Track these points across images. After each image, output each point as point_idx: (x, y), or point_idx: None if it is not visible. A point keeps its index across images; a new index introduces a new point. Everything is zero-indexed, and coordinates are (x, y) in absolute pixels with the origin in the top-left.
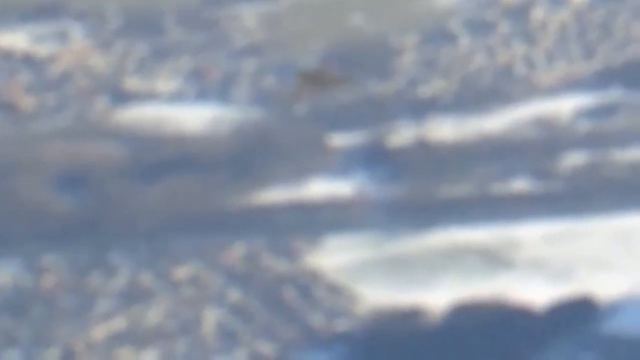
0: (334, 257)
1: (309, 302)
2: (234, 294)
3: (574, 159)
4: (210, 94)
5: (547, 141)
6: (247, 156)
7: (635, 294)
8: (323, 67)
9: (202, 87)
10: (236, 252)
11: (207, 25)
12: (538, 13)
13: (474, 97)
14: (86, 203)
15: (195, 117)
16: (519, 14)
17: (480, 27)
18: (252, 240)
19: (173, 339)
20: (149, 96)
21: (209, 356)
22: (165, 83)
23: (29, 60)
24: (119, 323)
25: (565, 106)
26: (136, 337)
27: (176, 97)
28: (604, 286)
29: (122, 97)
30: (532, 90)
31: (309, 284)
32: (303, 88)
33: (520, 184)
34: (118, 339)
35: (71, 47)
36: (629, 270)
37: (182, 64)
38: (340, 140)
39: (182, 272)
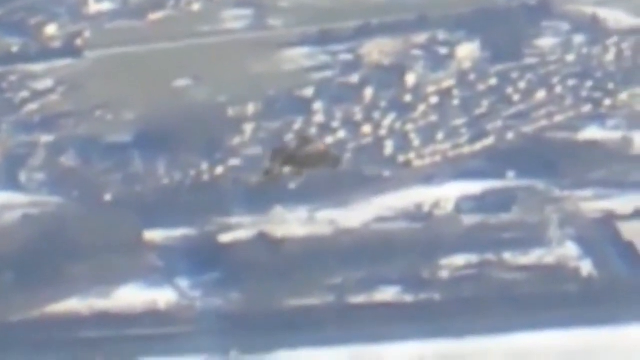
0: None
1: None
2: None
3: (456, 262)
4: None
5: (423, 238)
6: (39, 254)
7: None
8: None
9: None
10: None
11: None
12: (414, 77)
13: (331, 182)
14: None
15: None
16: (391, 78)
17: (341, 93)
18: None
19: None
20: None
21: None
22: None
23: None
24: None
25: (446, 195)
26: None
27: None
28: None
29: None
30: (405, 175)
31: None
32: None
33: (388, 293)
34: None
35: None
36: None
37: None
38: (160, 236)
39: None
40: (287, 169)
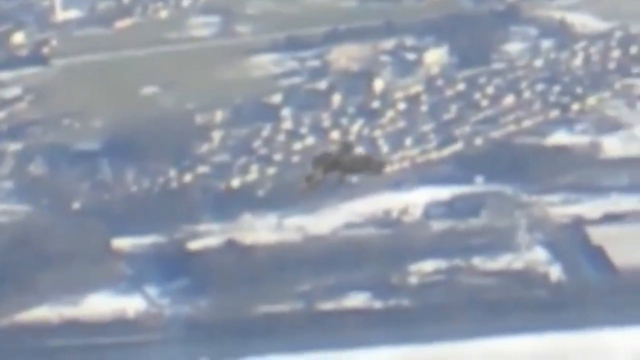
0: None
1: None
2: None
3: (425, 268)
4: None
5: (392, 245)
6: (8, 263)
7: None
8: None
9: None
10: None
11: None
12: (382, 83)
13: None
14: None
15: None
16: (359, 84)
17: (309, 99)
18: None
19: None
20: None
21: None
22: None
23: None
24: None
25: (415, 201)
26: None
27: None
28: None
29: None
30: (373, 181)
31: None
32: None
33: (357, 299)
34: None
35: None
36: None
37: None
38: (128, 244)
39: None
40: (330, 175)
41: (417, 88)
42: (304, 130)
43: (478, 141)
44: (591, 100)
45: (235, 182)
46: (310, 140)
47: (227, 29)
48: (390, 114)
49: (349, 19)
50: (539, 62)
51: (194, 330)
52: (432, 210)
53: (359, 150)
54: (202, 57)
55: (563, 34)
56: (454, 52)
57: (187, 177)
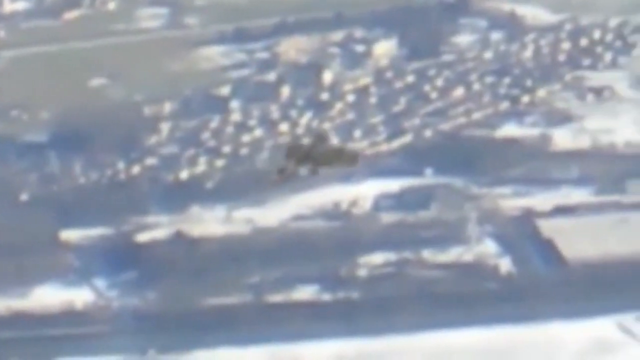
0: None
1: None
2: None
3: (374, 260)
4: None
5: (341, 237)
6: None
7: None
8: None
9: None
10: None
11: None
12: (331, 75)
13: (249, 180)
14: None
15: None
16: (308, 76)
17: (258, 91)
18: None
19: None
20: None
21: None
22: None
23: None
24: None
25: (364, 193)
26: None
27: None
28: None
29: None
30: (322, 173)
31: None
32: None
33: (306, 292)
34: None
35: None
36: None
37: None
38: (77, 235)
39: None
40: (302, 168)
41: (366, 80)
42: (252, 122)
43: (427, 133)
44: (541, 93)
45: (184, 174)
46: (258, 132)
47: (175, 21)
48: (339, 106)
49: (297, 11)
50: (488, 54)
51: (142, 322)
52: (381, 203)
53: (333, 141)
54: (151, 49)
55: (513, 26)
56: (403, 44)
57: (136, 169)
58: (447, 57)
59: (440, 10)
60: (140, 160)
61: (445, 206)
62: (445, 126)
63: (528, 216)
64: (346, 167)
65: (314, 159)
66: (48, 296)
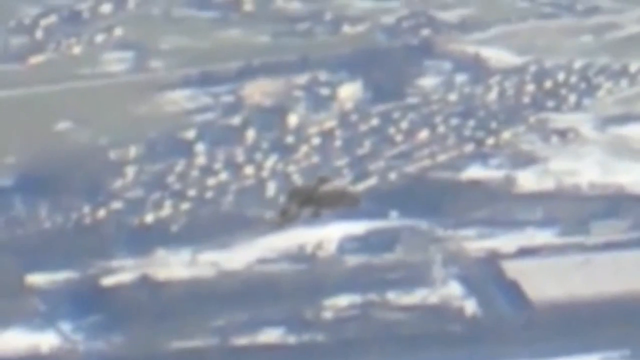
0: None
1: None
2: None
3: (340, 303)
4: None
5: (307, 280)
6: None
7: None
8: None
9: None
10: None
11: None
12: (296, 118)
13: (214, 224)
14: None
15: None
16: (273, 119)
17: (223, 135)
18: None
19: None
20: None
21: None
22: None
23: None
24: None
25: (329, 236)
26: None
27: None
28: None
29: None
30: (288, 216)
31: None
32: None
33: (271, 335)
34: None
35: None
36: None
37: None
38: (42, 279)
39: None
40: (305, 210)
41: (331, 123)
42: (217, 165)
43: (392, 176)
44: (506, 135)
45: (149, 218)
46: (223, 176)
47: (140, 65)
48: (304, 148)
49: (262, 54)
50: (453, 97)
51: None
52: (346, 245)
53: (336, 184)
54: (116, 93)
55: (477, 68)
56: (368, 86)
57: (101, 213)
58: (412, 100)
59: (404, 53)
60: (106, 204)
61: (410, 248)
62: (410, 169)
63: (493, 258)
64: (348, 208)
65: (317, 201)
66: (13, 340)
